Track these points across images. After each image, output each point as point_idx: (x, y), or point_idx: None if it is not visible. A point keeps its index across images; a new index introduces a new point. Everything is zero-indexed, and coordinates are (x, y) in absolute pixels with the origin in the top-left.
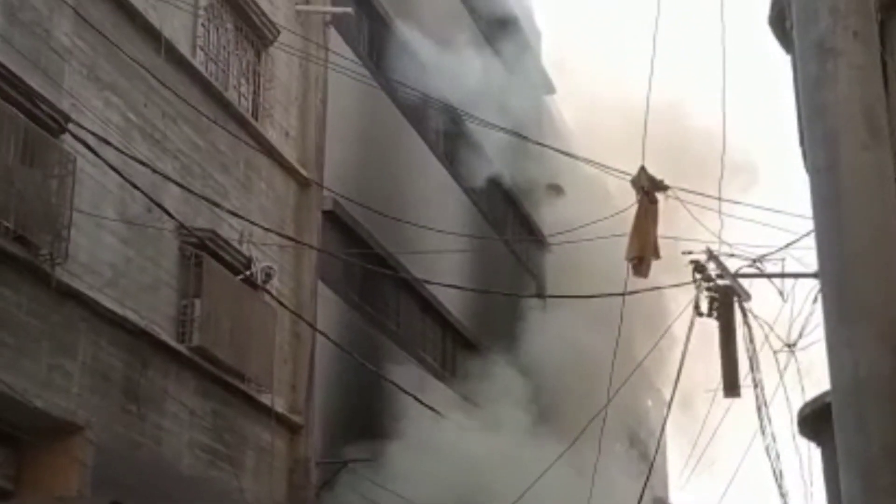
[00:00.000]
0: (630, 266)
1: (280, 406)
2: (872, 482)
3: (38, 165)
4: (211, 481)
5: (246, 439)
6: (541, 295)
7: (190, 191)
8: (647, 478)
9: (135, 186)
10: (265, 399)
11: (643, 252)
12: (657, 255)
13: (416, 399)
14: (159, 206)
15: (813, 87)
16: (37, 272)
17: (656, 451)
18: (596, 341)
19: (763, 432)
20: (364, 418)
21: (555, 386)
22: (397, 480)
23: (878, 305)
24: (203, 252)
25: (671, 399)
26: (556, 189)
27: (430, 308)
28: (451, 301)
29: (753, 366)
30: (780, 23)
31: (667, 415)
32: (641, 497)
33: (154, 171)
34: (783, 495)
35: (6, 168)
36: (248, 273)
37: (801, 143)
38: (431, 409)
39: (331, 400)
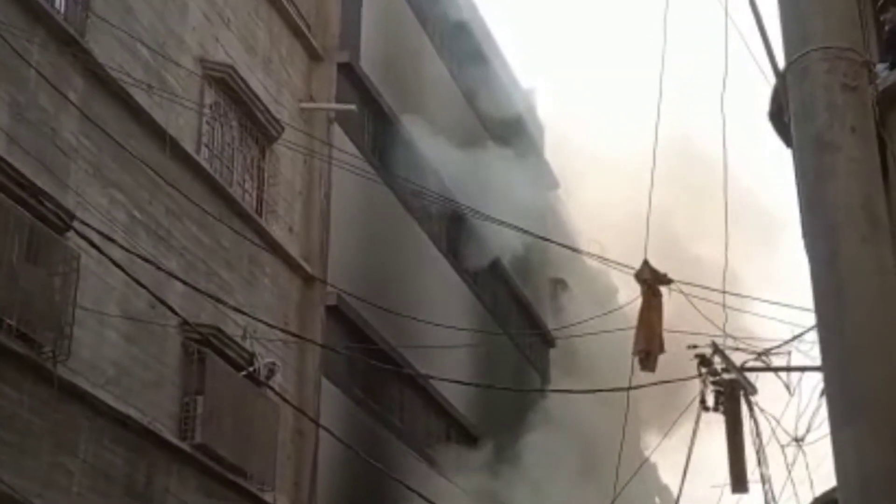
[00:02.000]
0: (637, 360)
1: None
2: None
3: (42, 263)
4: None
5: None
6: (545, 389)
7: (194, 287)
8: None
9: (139, 283)
10: (268, 497)
11: (649, 346)
12: (662, 350)
13: (421, 496)
14: (163, 302)
15: (812, 180)
16: (39, 370)
17: None
18: (602, 437)
19: None
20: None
21: (561, 482)
22: None
23: (882, 400)
24: (206, 348)
25: (678, 496)
26: (561, 283)
27: (434, 403)
28: (456, 396)
29: (761, 460)
30: (779, 117)
31: None
32: None
33: (158, 268)
34: None
35: (10, 266)
36: (251, 369)
37: (804, 235)
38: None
39: (335, 497)
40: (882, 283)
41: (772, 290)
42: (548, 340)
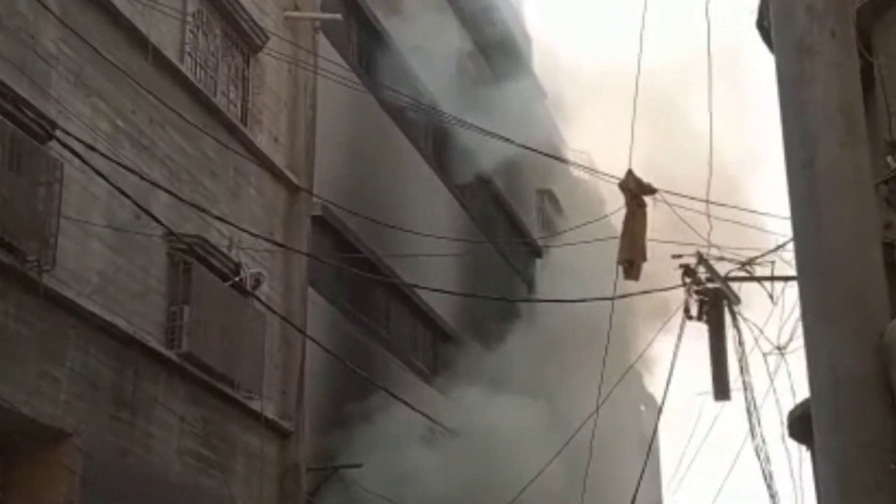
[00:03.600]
0: (621, 270)
1: (270, 412)
2: (849, 481)
3: (24, 172)
4: (201, 488)
5: (236, 446)
6: (531, 300)
7: (178, 197)
8: (640, 480)
9: (123, 193)
10: (255, 405)
11: (633, 255)
12: (644, 259)
13: (407, 404)
14: (147, 212)
15: (791, 85)
16: (24, 279)
17: (648, 455)
18: (588, 347)
19: (753, 435)
20: (355, 424)
21: (547, 388)
22: (388, 486)
23: (856, 304)
24: (192, 258)
25: (662, 402)
26: (548, 194)
27: (420, 313)
28: (442, 306)
29: (743, 369)
30: (765, 26)
31: (658, 418)
32: (634, 500)
33: (142, 177)
34: (773, 497)
35: None
36: (237, 279)
37: (783, 141)
38: (422, 413)
39: (321, 406)
40: (859, 188)
41: (757, 202)
42: (534, 250)
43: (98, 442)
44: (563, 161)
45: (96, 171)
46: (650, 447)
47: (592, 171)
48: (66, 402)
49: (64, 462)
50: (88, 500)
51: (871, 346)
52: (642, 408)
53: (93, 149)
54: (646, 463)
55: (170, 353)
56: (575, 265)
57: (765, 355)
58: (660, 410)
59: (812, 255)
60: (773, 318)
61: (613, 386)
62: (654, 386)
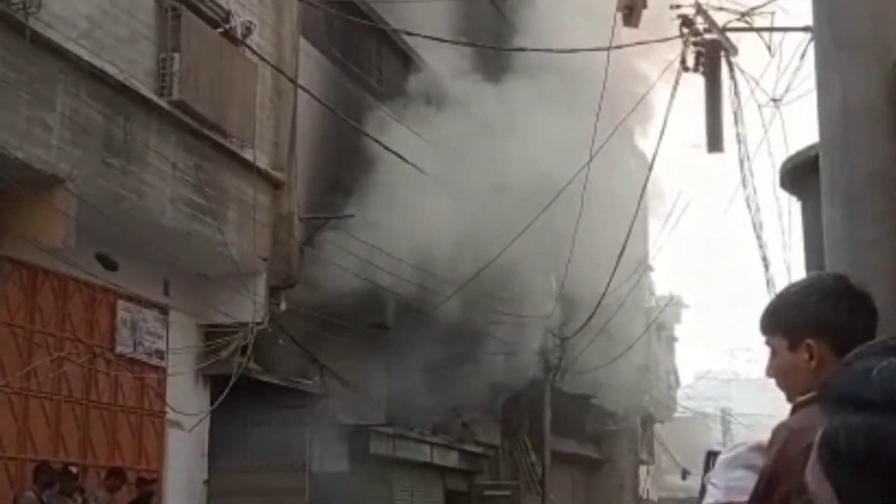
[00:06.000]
0: (621, 16)
1: (262, 162)
2: (855, 210)
3: None
4: (195, 235)
5: (229, 194)
6: (525, 49)
7: None
8: (627, 237)
9: None
10: (247, 154)
11: (633, 1)
12: (645, 5)
13: (399, 156)
14: None
15: None
16: (10, 22)
17: (636, 212)
18: (578, 105)
19: (745, 185)
20: (347, 175)
21: (544, 124)
22: (380, 236)
23: (871, 32)
24: (181, 4)
25: (654, 153)
26: None
27: (412, 64)
28: (432, 55)
29: (738, 120)
30: None
31: (649, 172)
32: (621, 256)
33: None
34: (762, 247)
35: None
36: (227, 27)
37: None
38: (414, 166)
39: (314, 157)
40: None
41: None
42: None
43: (91, 187)
44: None
45: None
46: (639, 202)
47: None
48: (58, 147)
49: (58, 206)
50: (83, 243)
51: (884, 74)
52: (633, 165)
53: None
54: (635, 217)
55: (161, 101)
56: (570, 20)
57: (760, 107)
58: (652, 163)
59: None
60: (769, 69)
61: (608, 137)
62: (646, 144)
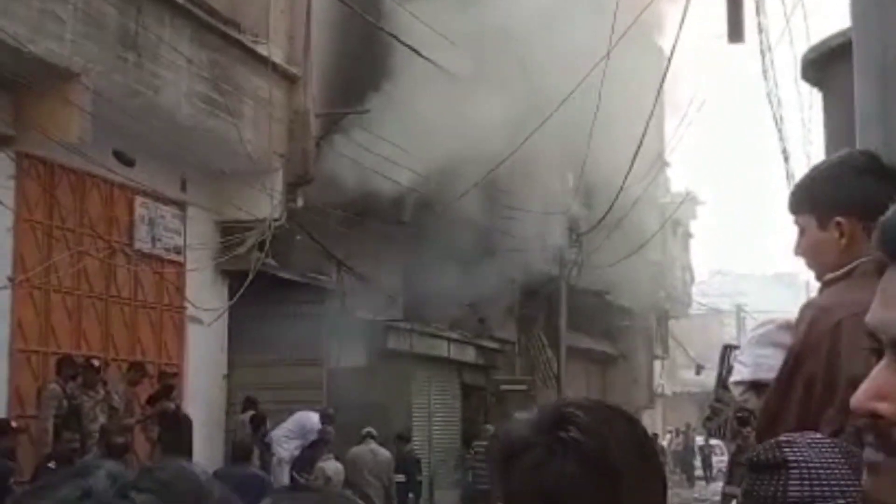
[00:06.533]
0: None
1: (277, 57)
2: (888, 89)
3: None
4: (210, 132)
5: (244, 90)
6: None
7: None
8: (644, 133)
9: None
10: (262, 49)
11: None
12: None
13: (415, 51)
14: None
15: None
16: None
17: (653, 107)
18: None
19: (765, 77)
20: (363, 71)
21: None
22: (396, 132)
23: None
24: None
25: (674, 44)
26: None
27: None
28: None
29: (759, 9)
30: None
31: (668, 64)
32: (637, 151)
33: None
34: (782, 140)
35: None
36: None
37: None
38: (432, 62)
39: (330, 53)
40: None
41: None
42: None
43: (106, 82)
44: None
45: None
46: (657, 97)
47: None
48: (72, 41)
49: (73, 100)
50: (99, 139)
51: None
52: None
53: None
54: (651, 113)
55: None
56: None
57: None
58: (671, 55)
59: None
60: None
61: (627, 27)
62: (664, 40)
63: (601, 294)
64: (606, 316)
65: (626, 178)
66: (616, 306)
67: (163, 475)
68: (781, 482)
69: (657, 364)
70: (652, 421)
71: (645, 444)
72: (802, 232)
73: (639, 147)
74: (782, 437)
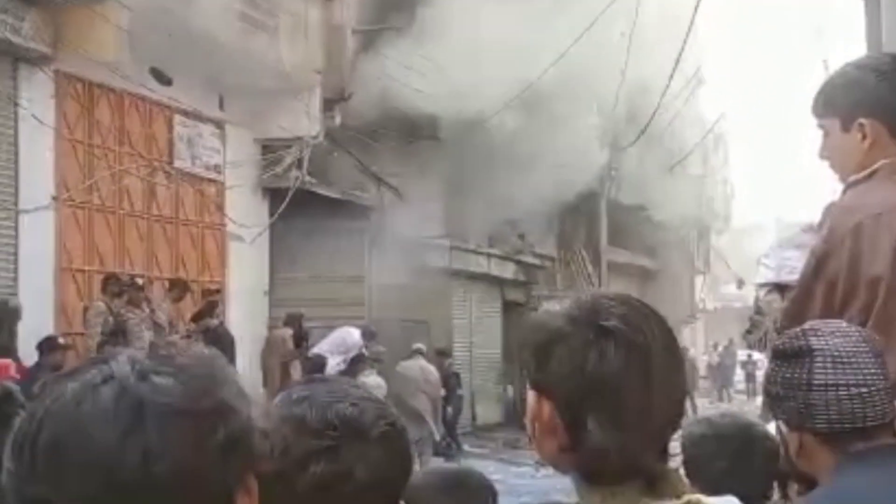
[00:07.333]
0: None
1: None
2: None
3: None
4: (247, 49)
5: (280, 5)
6: None
7: None
8: (683, 45)
9: None
10: None
11: None
12: None
13: None
14: None
15: None
16: None
17: (692, 19)
18: None
19: None
20: None
21: None
22: (435, 48)
23: None
24: None
25: None
26: None
27: None
28: None
29: None
30: None
31: None
32: (676, 65)
33: None
34: (823, 50)
35: None
36: None
37: None
38: None
39: None
40: None
41: None
42: None
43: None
44: None
45: None
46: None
47: None
48: None
49: (111, 18)
50: (136, 58)
51: None
52: None
53: None
54: (690, 25)
55: None
56: None
57: None
58: None
59: None
60: None
61: None
62: None
63: (641, 209)
64: (647, 231)
65: (665, 91)
66: (656, 221)
67: (181, 360)
68: (806, 368)
69: (698, 279)
70: (693, 336)
71: (673, 341)
72: (826, 134)
73: (678, 60)
74: (807, 326)
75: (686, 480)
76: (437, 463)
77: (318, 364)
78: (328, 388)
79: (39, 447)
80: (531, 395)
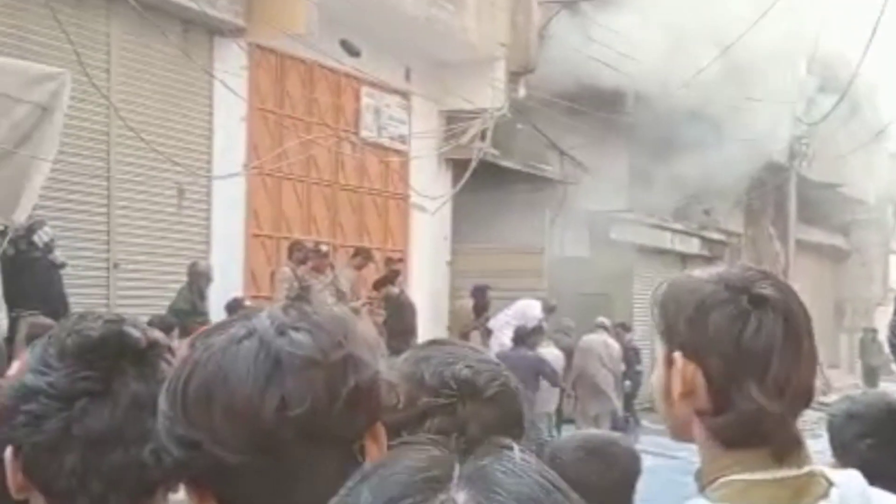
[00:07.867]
0: None
1: None
2: None
3: None
4: (433, 21)
5: None
6: None
7: None
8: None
9: None
10: None
11: None
12: None
13: None
14: None
15: None
16: None
17: None
18: None
19: None
20: None
21: None
22: (621, 20)
23: None
24: None
25: None
26: None
27: None
28: None
29: None
30: None
31: None
32: (875, 32)
33: None
34: None
35: None
36: None
37: None
38: None
39: None
40: None
41: None
42: None
43: None
44: None
45: None
46: None
47: None
48: None
49: None
50: (327, 30)
51: None
52: None
53: None
54: None
55: None
56: None
57: None
58: None
59: None
60: None
61: None
62: None
63: (834, 186)
64: (839, 208)
65: (861, 60)
66: (850, 198)
67: (316, 318)
68: None
69: (893, 259)
70: (887, 319)
71: (808, 314)
72: None
73: (876, 24)
74: None
75: (832, 459)
76: None
77: (489, 335)
78: (448, 350)
79: (190, 394)
80: (677, 357)
